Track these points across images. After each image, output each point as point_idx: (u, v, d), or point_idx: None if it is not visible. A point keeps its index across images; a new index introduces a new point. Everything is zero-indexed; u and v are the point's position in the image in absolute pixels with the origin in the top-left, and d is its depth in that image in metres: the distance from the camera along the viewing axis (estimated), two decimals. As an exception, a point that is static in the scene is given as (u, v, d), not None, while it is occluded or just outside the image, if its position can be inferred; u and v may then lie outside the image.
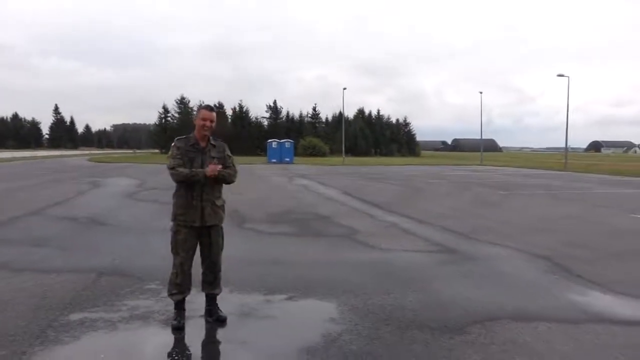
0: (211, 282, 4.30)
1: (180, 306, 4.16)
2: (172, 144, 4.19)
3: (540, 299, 4.99)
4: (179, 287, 4.14)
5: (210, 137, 4.22)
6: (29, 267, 5.94)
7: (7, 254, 6.66)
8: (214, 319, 4.24)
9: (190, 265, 4.18)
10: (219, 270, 4.33)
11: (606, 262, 6.69)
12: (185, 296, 4.19)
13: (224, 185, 4.30)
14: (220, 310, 4.29)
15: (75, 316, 4.26)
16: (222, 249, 4.34)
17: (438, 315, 4.46)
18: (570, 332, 4.14)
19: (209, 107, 4.24)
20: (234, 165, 4.30)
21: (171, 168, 4.07)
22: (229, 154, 4.33)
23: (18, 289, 5.03)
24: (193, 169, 4.04)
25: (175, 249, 4.15)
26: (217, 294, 4.34)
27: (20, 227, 8.88)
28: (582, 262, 6.63)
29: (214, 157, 4.16)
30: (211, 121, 4.14)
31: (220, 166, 4.08)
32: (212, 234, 4.22)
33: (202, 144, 4.17)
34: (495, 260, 6.78)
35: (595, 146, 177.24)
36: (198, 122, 4.14)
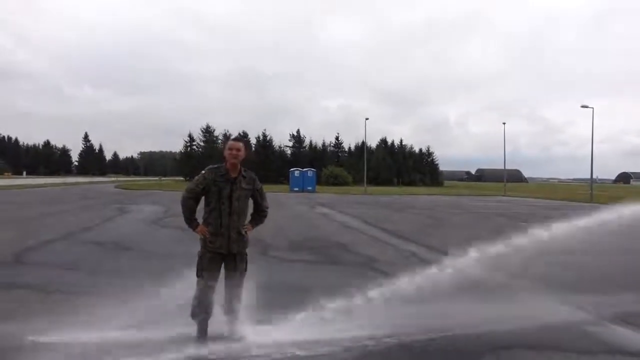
0: (232, 305, 4.45)
1: (202, 327, 4.35)
2: (202, 172, 4.44)
3: (555, 329, 5.02)
4: (202, 309, 4.33)
5: (242, 169, 4.46)
6: (60, 289, 6.22)
7: (40, 276, 6.98)
8: (234, 338, 4.39)
9: (214, 289, 4.37)
10: (241, 294, 4.49)
11: (624, 296, 6.62)
12: (208, 318, 4.38)
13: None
14: (239, 331, 4.45)
15: (106, 335, 4.47)
16: (244, 274, 4.52)
17: (452, 342, 4.55)
18: (583, 363, 4.18)
19: (235, 138, 4.53)
20: (263, 199, 4.62)
21: (188, 192, 4.37)
22: (259, 187, 4.58)
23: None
24: (194, 219, 4.37)
25: (200, 273, 4.36)
26: (237, 316, 4.50)
27: (52, 251, 9.25)
28: (598, 294, 6.59)
29: (244, 189, 4.41)
30: (237, 150, 4.38)
31: (207, 233, 4.34)
32: (237, 259, 4.42)
33: (233, 175, 4.39)
34: (511, 290, 6.80)
35: (624, 177, 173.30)
36: (226, 153, 4.40)
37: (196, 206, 4.42)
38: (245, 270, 4.53)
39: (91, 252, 9.29)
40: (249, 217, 4.60)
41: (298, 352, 4.22)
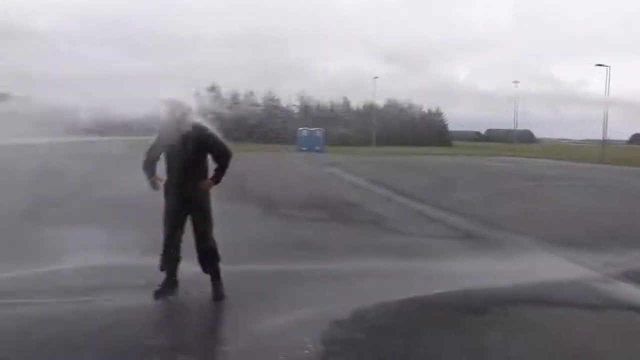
0: (202, 260, 4.46)
1: (168, 280, 4.45)
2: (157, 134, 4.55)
3: (561, 286, 5.12)
4: (166, 261, 4.43)
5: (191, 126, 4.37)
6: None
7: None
8: (212, 296, 4.44)
9: (176, 241, 4.42)
10: (208, 251, 4.46)
11: (633, 253, 6.68)
12: (173, 271, 4.46)
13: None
14: (219, 288, 4.46)
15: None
16: (208, 229, 4.47)
17: (461, 296, 4.66)
18: (589, 317, 4.31)
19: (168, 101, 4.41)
20: (217, 149, 4.46)
21: (145, 153, 4.51)
22: (210, 141, 4.43)
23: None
24: (150, 169, 4.48)
25: (163, 222, 4.45)
26: (211, 272, 4.49)
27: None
28: (606, 252, 6.65)
29: (187, 144, 4.31)
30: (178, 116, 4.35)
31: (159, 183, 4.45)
32: (194, 213, 4.44)
33: (178, 132, 4.34)
34: (518, 247, 6.90)
35: (638, 139, 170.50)
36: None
37: (154, 163, 4.51)
38: (208, 224, 4.49)
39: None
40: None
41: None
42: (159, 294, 4.38)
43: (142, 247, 5.58)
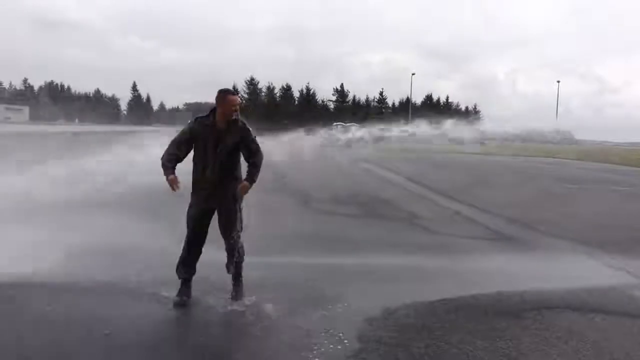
0: (228, 264, 4.29)
1: (183, 286, 4.22)
2: (189, 122, 4.24)
3: (599, 292, 4.99)
4: (183, 266, 4.23)
5: (233, 120, 4.13)
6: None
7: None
8: (231, 296, 4.27)
9: (197, 245, 4.22)
10: (235, 251, 4.26)
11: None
12: (189, 277, 4.24)
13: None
14: (238, 290, 4.28)
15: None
16: (237, 233, 4.26)
17: (495, 299, 4.62)
18: (627, 325, 4.19)
19: (232, 92, 4.18)
20: (254, 151, 4.23)
21: (172, 142, 4.16)
22: (252, 138, 4.20)
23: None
24: (170, 167, 4.06)
25: (187, 224, 4.22)
26: (235, 277, 4.33)
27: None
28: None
29: (230, 141, 4.09)
30: (239, 105, 4.14)
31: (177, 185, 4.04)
32: (223, 216, 4.21)
33: (220, 126, 4.11)
34: (555, 251, 6.75)
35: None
36: (227, 109, 4.08)
37: (178, 156, 4.15)
38: (239, 229, 4.28)
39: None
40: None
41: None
42: (178, 305, 4.11)
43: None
